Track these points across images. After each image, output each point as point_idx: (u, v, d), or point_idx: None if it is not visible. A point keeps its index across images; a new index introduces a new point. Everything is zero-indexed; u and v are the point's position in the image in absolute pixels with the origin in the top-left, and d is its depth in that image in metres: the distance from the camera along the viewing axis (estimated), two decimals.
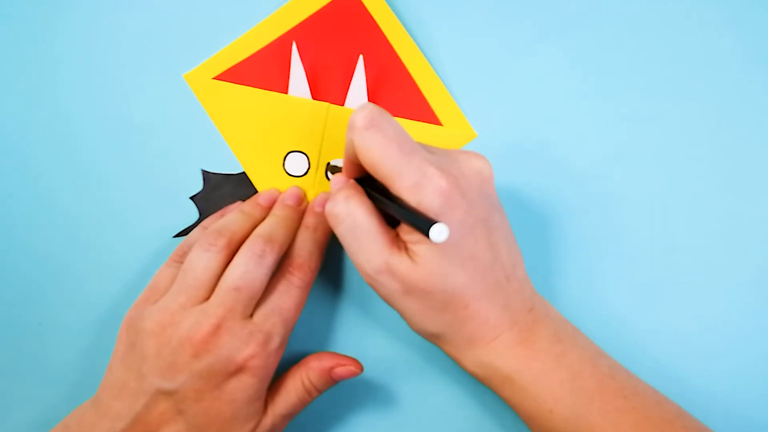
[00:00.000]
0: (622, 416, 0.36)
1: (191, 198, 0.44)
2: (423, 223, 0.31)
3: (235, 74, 0.43)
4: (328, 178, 0.43)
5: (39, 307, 0.44)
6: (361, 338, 0.44)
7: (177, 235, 0.44)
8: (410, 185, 0.34)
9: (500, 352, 0.37)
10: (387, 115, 0.35)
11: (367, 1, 0.43)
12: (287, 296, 0.39)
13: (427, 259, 0.35)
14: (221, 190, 0.44)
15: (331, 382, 0.40)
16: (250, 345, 0.37)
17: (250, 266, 0.37)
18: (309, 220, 0.42)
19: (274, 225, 0.40)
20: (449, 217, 0.34)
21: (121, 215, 0.44)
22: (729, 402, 0.43)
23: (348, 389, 0.44)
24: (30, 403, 0.43)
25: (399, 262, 0.35)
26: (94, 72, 0.44)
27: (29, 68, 0.44)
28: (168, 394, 0.37)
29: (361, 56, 0.43)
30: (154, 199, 0.44)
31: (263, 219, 0.41)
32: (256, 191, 0.44)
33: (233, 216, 0.41)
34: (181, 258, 0.40)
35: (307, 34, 0.43)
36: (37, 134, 0.44)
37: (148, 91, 0.44)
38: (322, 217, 0.42)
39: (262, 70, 0.43)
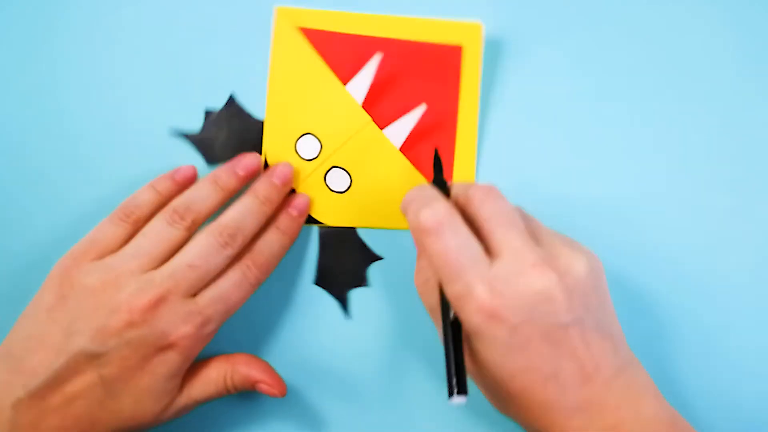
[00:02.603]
0: None
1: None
2: (449, 384, 0.34)
3: (317, 38, 0.43)
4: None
5: None
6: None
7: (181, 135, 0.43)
8: (455, 296, 0.34)
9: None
10: (456, 219, 0.34)
11: (466, 55, 0.44)
12: (238, 289, 0.38)
13: (481, 358, 0.35)
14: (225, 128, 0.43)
15: (252, 389, 0.40)
16: (186, 325, 0.37)
17: (210, 250, 0.37)
18: (283, 222, 0.41)
19: (245, 215, 0.39)
20: (493, 332, 0.33)
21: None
22: (729, 402, 0.43)
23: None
24: None
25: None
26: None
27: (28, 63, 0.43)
28: (92, 356, 0.36)
29: (424, 105, 0.43)
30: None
31: (236, 191, 0.41)
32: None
33: (206, 189, 0.40)
34: (127, 217, 0.39)
35: (396, 53, 0.43)
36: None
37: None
38: (296, 224, 0.42)
39: (339, 53, 0.43)
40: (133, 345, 0.36)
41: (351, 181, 0.44)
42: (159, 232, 0.38)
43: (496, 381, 0.35)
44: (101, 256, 0.38)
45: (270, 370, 0.40)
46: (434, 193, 0.36)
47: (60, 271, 0.37)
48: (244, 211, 0.40)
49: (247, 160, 0.42)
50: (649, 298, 0.44)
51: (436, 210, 0.35)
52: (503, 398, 0.36)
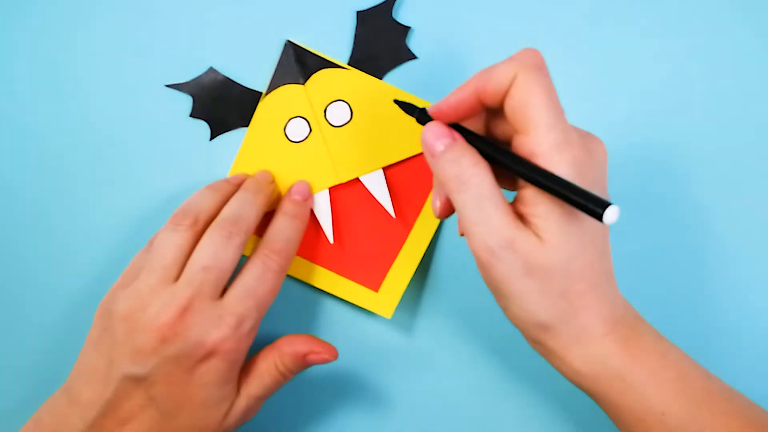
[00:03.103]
0: (730, 420, 0.34)
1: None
2: (595, 202, 0.30)
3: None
4: (332, 124, 0.42)
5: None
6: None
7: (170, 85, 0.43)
8: (554, 144, 0.32)
9: (611, 350, 0.34)
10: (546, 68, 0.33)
11: None
12: (263, 280, 0.38)
13: (555, 237, 0.32)
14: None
15: (306, 365, 0.39)
16: (220, 328, 0.36)
17: (218, 246, 0.37)
18: (288, 207, 0.41)
19: (241, 205, 0.39)
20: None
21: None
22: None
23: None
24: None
25: (525, 238, 0.32)
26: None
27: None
28: (137, 380, 0.36)
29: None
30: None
31: (231, 195, 0.40)
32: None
33: (200, 194, 0.40)
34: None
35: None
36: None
37: None
38: (302, 208, 0.41)
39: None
40: (173, 360, 0.36)
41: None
42: (164, 241, 0.37)
43: (560, 260, 0.33)
44: (132, 284, 0.38)
45: (315, 339, 0.39)
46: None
47: (101, 305, 0.38)
48: (239, 202, 0.39)
49: (236, 176, 0.42)
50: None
51: (537, 51, 0.34)
52: (563, 287, 0.33)
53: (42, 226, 0.43)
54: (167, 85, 0.43)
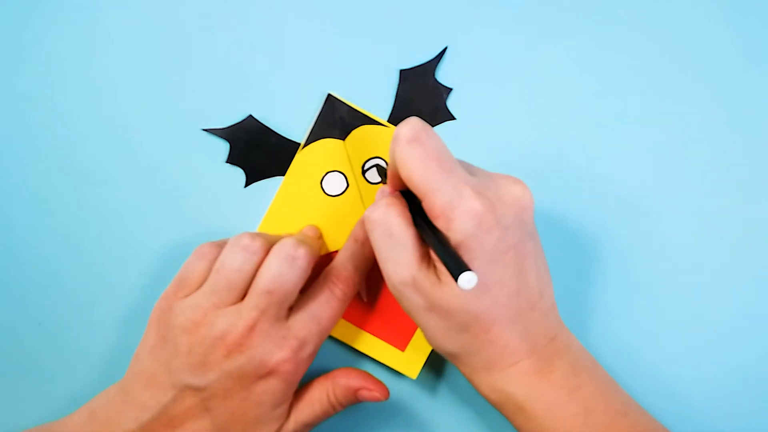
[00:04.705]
0: None
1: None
2: (454, 267, 0.31)
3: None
4: (369, 181, 0.42)
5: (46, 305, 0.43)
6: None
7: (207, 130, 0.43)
8: (444, 203, 0.33)
9: (515, 380, 0.36)
10: (431, 130, 0.34)
11: None
12: (327, 306, 0.39)
13: (452, 281, 0.34)
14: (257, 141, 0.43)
15: (356, 400, 0.40)
16: (283, 349, 0.37)
17: (283, 268, 0.37)
18: (358, 232, 0.41)
19: (304, 234, 0.41)
20: (480, 240, 0.33)
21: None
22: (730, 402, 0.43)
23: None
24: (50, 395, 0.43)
25: (425, 278, 0.35)
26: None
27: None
28: (197, 390, 0.37)
29: None
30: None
31: None
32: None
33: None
34: (210, 251, 0.39)
35: None
36: (34, 134, 0.43)
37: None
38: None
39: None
40: (234, 376, 0.36)
41: None
42: (231, 261, 0.37)
43: (458, 302, 0.35)
44: (189, 294, 0.38)
45: (369, 376, 0.40)
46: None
47: (157, 312, 0.39)
48: (302, 232, 0.41)
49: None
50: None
51: (413, 122, 0.34)
52: (464, 323, 0.35)
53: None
54: (204, 129, 0.43)
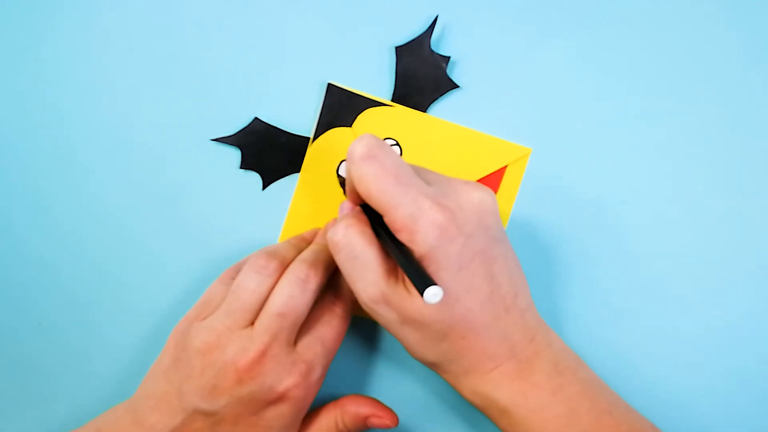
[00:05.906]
0: None
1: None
2: (419, 282, 0.31)
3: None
4: (341, 186, 0.43)
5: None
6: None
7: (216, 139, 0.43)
8: (405, 217, 0.33)
9: (497, 383, 0.36)
10: (385, 145, 0.35)
11: (508, 174, 0.43)
12: (329, 326, 0.38)
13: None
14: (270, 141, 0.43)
15: (365, 427, 0.40)
16: (292, 374, 0.37)
17: (294, 291, 0.37)
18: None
19: (317, 251, 0.39)
20: (444, 251, 0.33)
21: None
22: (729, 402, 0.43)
23: None
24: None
25: (395, 292, 0.35)
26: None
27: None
28: (206, 414, 0.36)
29: None
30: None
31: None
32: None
33: (280, 244, 0.40)
34: (234, 275, 0.40)
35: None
36: (35, 135, 0.43)
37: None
38: None
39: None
40: (244, 402, 0.36)
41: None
42: (246, 282, 0.37)
43: (430, 312, 0.35)
44: (207, 316, 0.38)
45: (378, 403, 0.40)
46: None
47: (176, 334, 0.38)
48: (315, 249, 0.40)
49: (310, 231, 0.43)
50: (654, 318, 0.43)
51: (367, 139, 0.34)
52: (440, 333, 0.35)
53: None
54: (213, 139, 0.43)
